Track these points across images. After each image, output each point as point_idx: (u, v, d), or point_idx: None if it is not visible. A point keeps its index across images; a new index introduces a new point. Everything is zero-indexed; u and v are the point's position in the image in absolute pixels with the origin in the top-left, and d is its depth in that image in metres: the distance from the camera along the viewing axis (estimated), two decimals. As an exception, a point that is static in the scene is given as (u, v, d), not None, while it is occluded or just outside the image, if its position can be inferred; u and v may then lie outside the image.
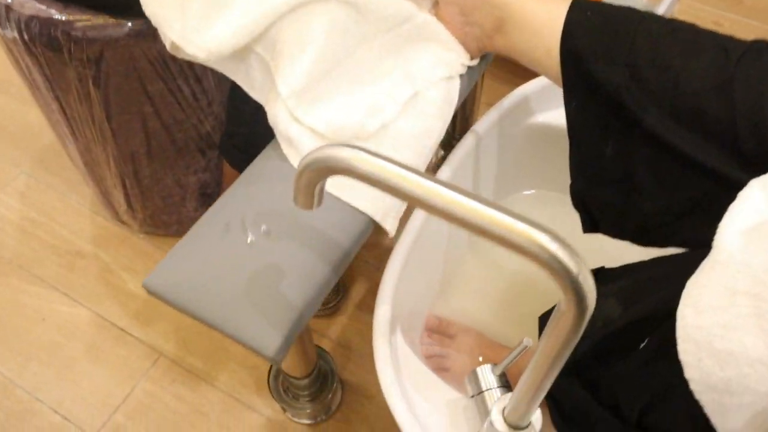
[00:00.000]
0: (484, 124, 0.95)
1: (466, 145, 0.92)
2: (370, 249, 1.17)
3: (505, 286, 1.03)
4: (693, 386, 0.60)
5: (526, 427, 0.61)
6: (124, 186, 1.09)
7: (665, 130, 0.66)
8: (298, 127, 0.70)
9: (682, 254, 0.71)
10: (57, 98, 0.98)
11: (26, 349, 1.08)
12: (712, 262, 0.58)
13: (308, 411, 0.98)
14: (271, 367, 0.97)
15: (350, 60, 0.72)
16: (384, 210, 0.70)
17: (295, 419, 0.99)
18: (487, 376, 0.69)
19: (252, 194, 0.69)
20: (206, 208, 0.70)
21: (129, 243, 1.22)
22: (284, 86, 0.68)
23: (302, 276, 0.63)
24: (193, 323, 1.10)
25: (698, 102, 0.64)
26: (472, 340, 0.94)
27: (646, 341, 0.65)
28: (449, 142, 1.17)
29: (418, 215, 0.84)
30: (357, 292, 1.13)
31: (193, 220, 0.70)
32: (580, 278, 0.41)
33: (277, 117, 0.71)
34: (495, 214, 0.42)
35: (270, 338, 0.60)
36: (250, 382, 1.04)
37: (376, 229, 0.70)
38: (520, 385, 0.55)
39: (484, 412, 0.68)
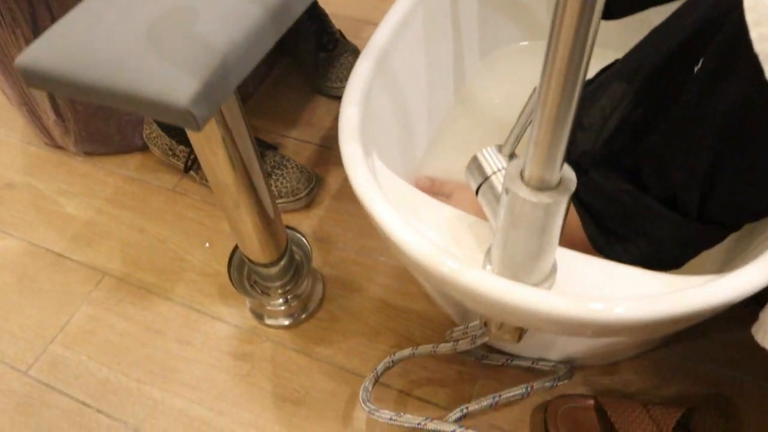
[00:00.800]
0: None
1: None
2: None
3: (494, 136, 0.86)
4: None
5: (557, 185, 0.44)
6: (46, 84, 0.92)
7: None
8: None
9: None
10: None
11: (-54, 289, 0.90)
12: None
13: (283, 309, 0.80)
14: (231, 256, 0.79)
15: None
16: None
17: (269, 321, 0.81)
18: (493, 157, 0.52)
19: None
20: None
21: (66, 167, 1.04)
22: None
23: (225, 16, 0.46)
24: (143, 237, 0.93)
25: None
26: (471, 195, 0.77)
27: (701, 62, 0.48)
28: None
29: (388, 25, 0.68)
30: (333, 182, 0.95)
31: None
32: None
33: None
34: None
35: (181, 84, 0.42)
36: (212, 290, 0.86)
37: None
38: (541, 98, 0.37)
39: (495, 200, 0.50)
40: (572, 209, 0.60)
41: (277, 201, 0.90)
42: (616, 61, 0.63)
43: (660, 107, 0.52)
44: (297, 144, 1.01)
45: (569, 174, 0.44)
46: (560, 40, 0.34)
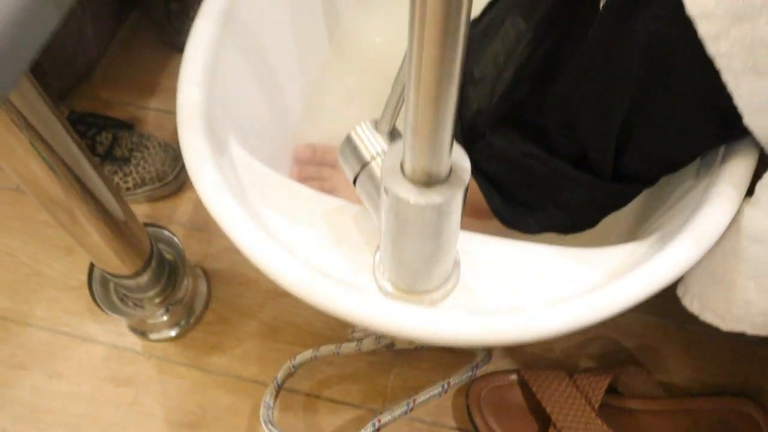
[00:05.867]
0: None
1: None
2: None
3: (383, 87, 0.75)
4: (704, 28, 0.34)
5: (447, 177, 0.35)
6: None
7: None
8: None
9: None
10: None
11: None
12: None
13: (165, 320, 0.69)
14: (90, 271, 0.67)
15: None
16: None
17: (152, 336, 0.70)
18: (369, 136, 0.42)
19: None
20: None
21: None
22: None
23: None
24: (-16, 253, 0.78)
25: None
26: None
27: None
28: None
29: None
30: (206, 158, 0.83)
31: None
32: None
33: None
34: None
35: None
36: (78, 307, 0.74)
37: None
38: (413, 74, 0.28)
39: (377, 192, 0.41)
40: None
41: (141, 189, 0.78)
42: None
43: (564, 48, 0.43)
44: (158, 116, 0.87)
45: (461, 159, 0.35)
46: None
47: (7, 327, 0.73)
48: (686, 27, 0.34)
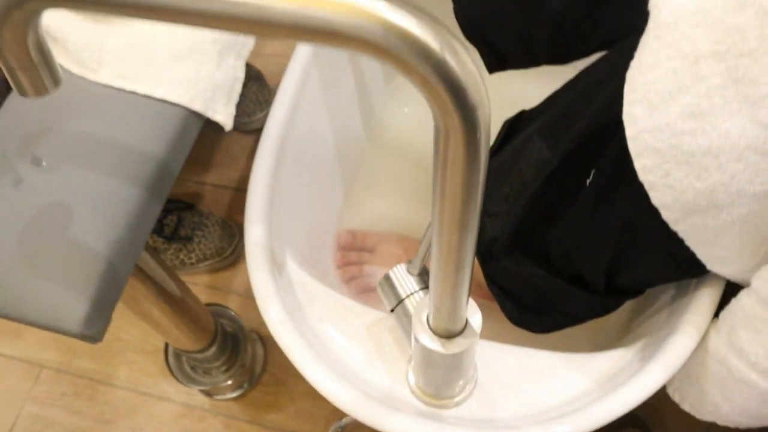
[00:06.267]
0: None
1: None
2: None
3: (417, 173, 0.85)
4: (665, 215, 0.44)
5: (462, 331, 0.45)
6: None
7: None
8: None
9: (608, 54, 0.54)
10: None
11: None
12: (655, 30, 0.41)
13: (229, 383, 0.81)
14: (166, 347, 0.79)
15: None
16: (204, 92, 0.50)
17: (217, 397, 0.82)
18: (403, 277, 0.52)
19: (13, 122, 0.48)
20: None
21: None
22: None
23: (102, 209, 0.44)
24: (72, 320, 0.90)
25: None
26: (395, 247, 0.77)
27: (592, 174, 0.48)
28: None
29: (282, 100, 0.65)
30: (257, 231, 0.94)
31: None
32: (448, 59, 0.24)
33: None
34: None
35: (69, 308, 0.41)
36: (154, 369, 0.86)
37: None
38: (434, 272, 0.38)
39: (409, 324, 0.51)
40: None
41: (203, 264, 0.89)
42: (515, 124, 0.63)
43: (563, 201, 0.53)
44: (214, 191, 0.98)
45: (475, 316, 0.45)
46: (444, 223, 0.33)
47: (95, 387, 0.85)
48: (653, 210, 0.44)
